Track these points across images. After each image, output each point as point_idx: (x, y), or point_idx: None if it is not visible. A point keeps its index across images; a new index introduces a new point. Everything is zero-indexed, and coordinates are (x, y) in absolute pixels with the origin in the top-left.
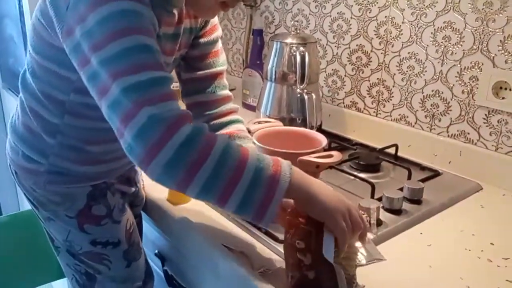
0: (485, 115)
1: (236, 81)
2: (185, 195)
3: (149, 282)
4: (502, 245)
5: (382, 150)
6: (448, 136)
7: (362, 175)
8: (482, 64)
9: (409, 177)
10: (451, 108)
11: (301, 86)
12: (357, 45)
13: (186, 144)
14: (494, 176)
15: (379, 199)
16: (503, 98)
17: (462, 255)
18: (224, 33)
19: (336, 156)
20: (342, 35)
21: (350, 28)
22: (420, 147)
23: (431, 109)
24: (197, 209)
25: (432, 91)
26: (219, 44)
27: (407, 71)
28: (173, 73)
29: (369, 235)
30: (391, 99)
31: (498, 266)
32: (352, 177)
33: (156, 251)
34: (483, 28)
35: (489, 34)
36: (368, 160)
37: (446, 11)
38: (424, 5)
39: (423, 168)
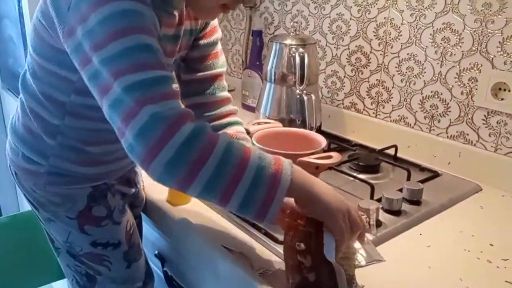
0: (484, 116)
1: (236, 82)
2: (186, 194)
3: (149, 283)
4: (502, 246)
5: (382, 151)
6: (448, 137)
7: (362, 176)
8: (481, 65)
9: (408, 178)
10: (450, 109)
11: (301, 87)
12: (356, 46)
13: (188, 143)
14: (493, 177)
15: (379, 200)
16: (502, 99)
17: (462, 256)
18: (223, 34)
19: (336, 157)
20: (341, 36)
21: (350, 29)
22: (420, 148)
23: (430, 110)
24: (197, 210)
25: (431, 92)
26: (219, 46)
27: (406, 72)
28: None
29: (369, 236)
30: (390, 100)
31: (497, 267)
32: (352, 178)
33: (156, 252)
34: (482, 29)
35: (488, 36)
36: (368, 161)
37: (445, 13)
38: (423, 6)
39: (422, 169)
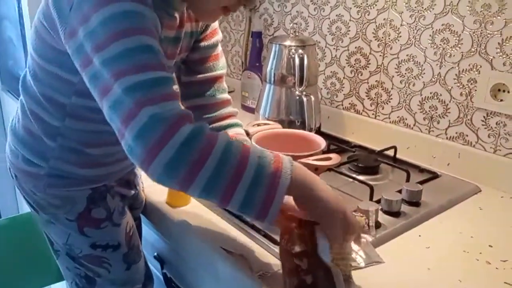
0: (484, 117)
1: (235, 83)
2: (187, 194)
3: (149, 285)
4: (501, 247)
5: (381, 152)
6: (447, 138)
7: (361, 177)
8: (481, 66)
9: (407, 179)
10: (449, 110)
11: (300, 89)
12: (355, 47)
13: (187, 143)
14: (492, 178)
15: (378, 201)
16: (501, 100)
17: (461, 257)
18: (223, 35)
19: (335, 158)
20: (341, 37)
21: (349, 31)
22: (419, 149)
23: (429, 111)
24: (196, 212)
25: (431, 93)
26: (219, 48)
27: (405, 73)
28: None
29: (368, 238)
30: (389, 101)
31: (496, 268)
32: (351, 179)
33: (155, 254)
34: (481, 30)
35: (487, 37)
36: (367, 162)
37: (444, 14)
38: (422, 7)
39: (421, 170)
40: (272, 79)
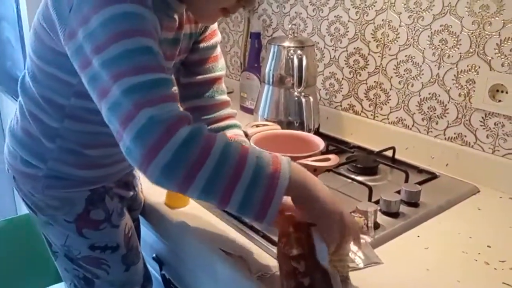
0: (482, 118)
1: (234, 84)
2: (186, 196)
3: (148, 286)
4: (499, 248)
5: (380, 153)
6: (445, 138)
7: (360, 178)
8: (479, 67)
9: (406, 180)
10: (448, 111)
11: (299, 89)
12: (354, 48)
13: (185, 145)
14: (491, 178)
15: (377, 202)
16: (499, 101)
17: (459, 257)
18: (222, 36)
19: (334, 159)
20: (339, 38)
21: (348, 31)
22: (417, 150)
23: (428, 112)
24: (195, 213)
25: (429, 94)
26: (218, 49)
27: (404, 74)
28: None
29: (367, 238)
30: (388, 102)
31: (495, 268)
32: (350, 180)
33: (154, 255)
34: (480, 31)
35: (486, 37)
36: (366, 163)
37: (442, 15)
38: (421, 8)
39: (420, 170)
40: (271, 80)
